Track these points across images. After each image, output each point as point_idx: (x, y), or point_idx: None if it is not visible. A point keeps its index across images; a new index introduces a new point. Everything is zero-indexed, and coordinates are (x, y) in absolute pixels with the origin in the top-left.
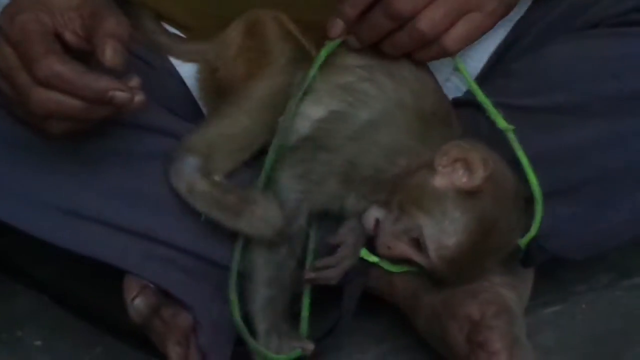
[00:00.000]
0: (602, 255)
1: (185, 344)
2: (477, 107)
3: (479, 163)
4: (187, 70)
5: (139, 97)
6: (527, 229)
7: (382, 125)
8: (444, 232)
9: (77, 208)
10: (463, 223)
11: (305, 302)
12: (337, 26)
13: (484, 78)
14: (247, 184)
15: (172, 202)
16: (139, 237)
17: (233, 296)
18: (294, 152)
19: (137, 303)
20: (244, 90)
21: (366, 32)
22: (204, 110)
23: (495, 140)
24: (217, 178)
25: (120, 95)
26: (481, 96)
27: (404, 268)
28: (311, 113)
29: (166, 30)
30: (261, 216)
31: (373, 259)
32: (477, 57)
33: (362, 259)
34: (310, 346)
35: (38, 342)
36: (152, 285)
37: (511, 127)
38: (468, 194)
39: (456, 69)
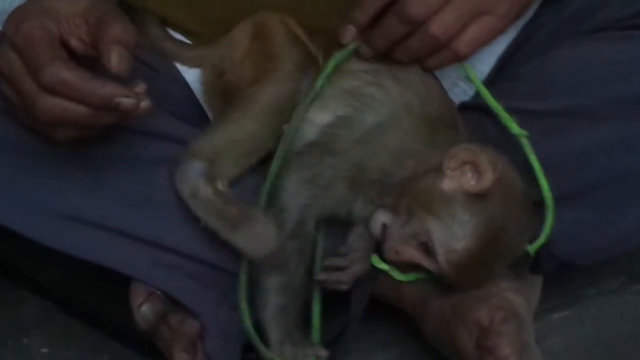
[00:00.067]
0: (611, 259)
1: (192, 351)
2: (485, 111)
3: (488, 166)
4: (192, 76)
5: (145, 103)
6: (536, 235)
7: (389, 129)
8: (453, 235)
9: (82, 214)
10: (472, 226)
11: (316, 308)
12: (349, 32)
13: (491, 82)
14: (252, 190)
15: (178, 208)
16: (146, 244)
17: (243, 304)
18: (301, 157)
19: (144, 310)
20: (250, 95)
21: (378, 38)
22: (210, 115)
23: (504, 145)
24: (221, 186)
25: (126, 101)
26: (493, 102)
27: (413, 277)
28: (317, 119)
29: (171, 37)
30: (258, 235)
31: (383, 266)
32: (485, 61)
33: (371, 266)
34: (324, 353)
35: (45, 350)
36: (159, 292)
37: (525, 132)
38: (477, 197)
39: (466, 78)
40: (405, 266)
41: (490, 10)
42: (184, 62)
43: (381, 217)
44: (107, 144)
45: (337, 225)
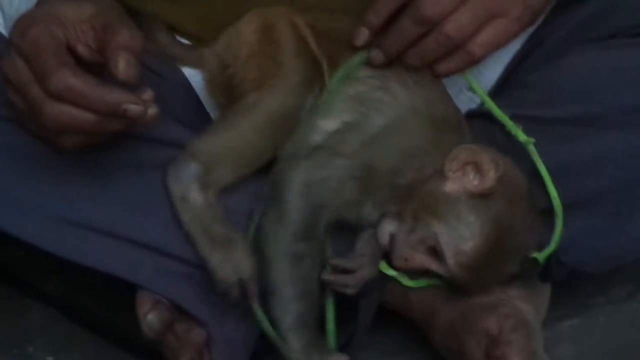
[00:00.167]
0: (620, 267)
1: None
2: (492, 118)
3: (490, 164)
4: (199, 82)
5: (152, 110)
6: (545, 242)
7: (396, 130)
8: (460, 237)
9: (89, 221)
10: (478, 226)
11: (330, 314)
12: (362, 35)
13: (500, 89)
14: (252, 196)
15: None
16: (152, 251)
17: (260, 315)
18: (309, 159)
19: (151, 318)
20: (253, 103)
21: (392, 40)
22: (212, 115)
23: (512, 152)
24: (212, 196)
25: (133, 108)
26: (498, 111)
27: (422, 283)
28: (323, 125)
29: (179, 41)
30: (233, 261)
31: (391, 272)
32: (493, 68)
33: (379, 273)
34: (345, 358)
35: (49, 357)
36: (165, 301)
37: (531, 139)
38: (481, 197)
39: (470, 89)
40: (416, 273)
41: (505, 12)
42: (192, 65)
43: (388, 227)
44: (113, 151)
45: (346, 231)
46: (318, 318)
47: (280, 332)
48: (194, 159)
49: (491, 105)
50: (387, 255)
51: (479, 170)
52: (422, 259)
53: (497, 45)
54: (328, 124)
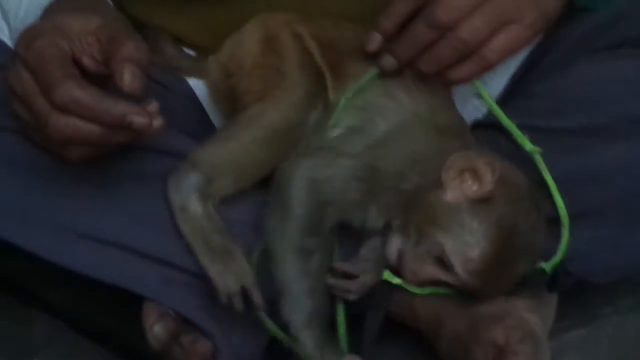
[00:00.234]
0: (628, 277)
1: None
2: (499, 128)
3: (486, 168)
4: (204, 93)
5: (157, 122)
6: (552, 252)
7: (400, 135)
8: (466, 245)
9: (95, 232)
10: (482, 232)
11: (340, 318)
12: (375, 40)
13: (506, 99)
14: (252, 207)
15: None
16: (158, 262)
17: (268, 321)
18: (313, 158)
19: (157, 330)
20: (257, 114)
21: (405, 46)
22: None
23: (519, 162)
24: (212, 207)
25: (138, 120)
26: (506, 120)
27: (429, 290)
28: (330, 133)
29: (185, 53)
30: (233, 272)
31: (397, 280)
32: (498, 78)
33: (385, 283)
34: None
35: None
36: (171, 312)
37: (538, 149)
38: (481, 202)
39: (478, 95)
40: (427, 284)
41: (518, 19)
42: (198, 76)
43: (395, 244)
44: (118, 162)
45: (352, 239)
46: (329, 322)
47: (292, 331)
48: (194, 168)
49: (499, 112)
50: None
51: (476, 175)
52: (431, 271)
53: (511, 51)
54: (332, 131)
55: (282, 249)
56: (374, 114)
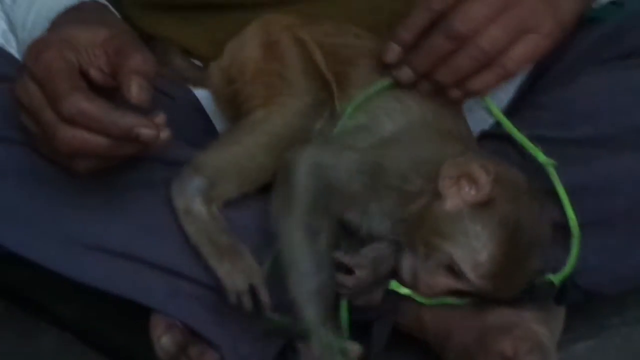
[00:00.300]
0: (636, 288)
1: None
2: (507, 139)
3: (480, 172)
4: (210, 104)
5: (164, 134)
6: (560, 265)
7: (406, 138)
8: (474, 250)
9: (102, 243)
10: (487, 235)
11: (344, 313)
12: (393, 51)
13: (513, 110)
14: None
15: None
16: (166, 272)
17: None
18: (319, 146)
19: (164, 342)
20: (261, 120)
21: (423, 57)
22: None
23: (528, 173)
24: (215, 209)
25: (146, 132)
26: (517, 134)
27: (436, 300)
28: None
29: (193, 64)
30: (241, 270)
31: (404, 290)
32: (505, 89)
33: (392, 293)
34: (357, 347)
35: None
36: (178, 323)
37: (552, 161)
38: (482, 205)
39: (487, 110)
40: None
41: (536, 28)
42: (206, 86)
43: (406, 263)
44: (126, 172)
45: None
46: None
47: (297, 303)
48: (197, 172)
49: (509, 126)
50: (395, 273)
51: (472, 180)
52: (444, 281)
53: (530, 60)
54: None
55: (288, 227)
56: (381, 114)
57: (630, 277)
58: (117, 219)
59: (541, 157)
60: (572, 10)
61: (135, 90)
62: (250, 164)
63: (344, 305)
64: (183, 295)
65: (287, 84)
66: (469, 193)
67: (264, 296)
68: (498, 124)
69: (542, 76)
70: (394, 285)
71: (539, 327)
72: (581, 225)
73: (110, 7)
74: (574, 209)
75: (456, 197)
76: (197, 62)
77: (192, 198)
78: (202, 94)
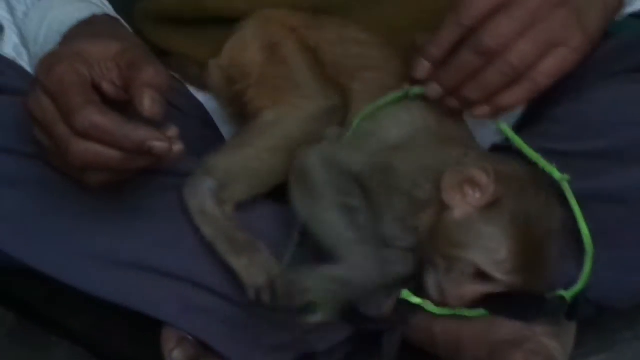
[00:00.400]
0: None
1: None
2: (517, 152)
3: (480, 174)
4: (222, 117)
5: (177, 147)
6: (572, 281)
7: (414, 143)
8: (493, 251)
9: (114, 256)
10: (502, 233)
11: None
12: (423, 68)
13: (524, 123)
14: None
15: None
16: (177, 284)
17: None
18: (330, 144)
19: (176, 355)
20: (271, 122)
21: (452, 73)
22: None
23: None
24: (229, 210)
25: (159, 145)
26: (529, 151)
27: (447, 311)
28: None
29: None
30: (259, 264)
31: (416, 300)
32: None
33: (403, 302)
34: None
35: None
36: (190, 337)
37: (566, 176)
38: (490, 206)
39: (498, 130)
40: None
41: (565, 41)
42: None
43: (431, 280)
44: (137, 184)
45: None
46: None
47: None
48: (208, 175)
49: (521, 144)
50: (406, 282)
51: (474, 184)
52: (473, 288)
53: (559, 74)
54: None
55: (321, 211)
56: (387, 121)
57: None
58: (129, 231)
59: (556, 173)
60: (599, 23)
61: (148, 103)
62: (260, 166)
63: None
64: (194, 309)
65: (296, 86)
66: (475, 197)
67: (281, 287)
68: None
69: (553, 89)
70: (405, 294)
71: (551, 341)
72: (592, 239)
73: (122, 21)
74: (587, 225)
75: (463, 204)
76: None
77: (204, 199)
78: (212, 107)
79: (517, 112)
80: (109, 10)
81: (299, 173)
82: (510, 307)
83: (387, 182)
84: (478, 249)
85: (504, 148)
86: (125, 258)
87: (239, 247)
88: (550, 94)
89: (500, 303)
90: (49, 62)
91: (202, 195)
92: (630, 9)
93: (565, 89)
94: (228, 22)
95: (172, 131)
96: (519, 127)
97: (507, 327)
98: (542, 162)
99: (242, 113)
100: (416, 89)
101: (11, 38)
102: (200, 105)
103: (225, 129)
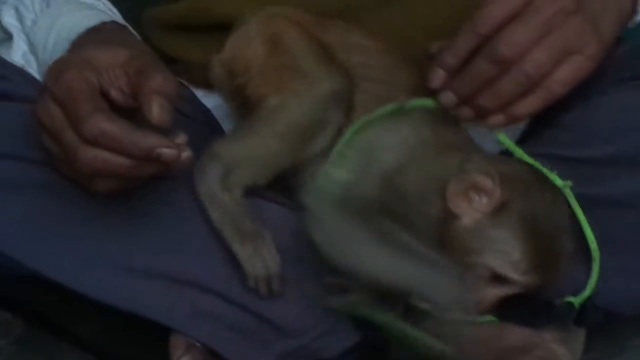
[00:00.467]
0: None
1: None
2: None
3: (485, 179)
4: (230, 124)
5: (185, 154)
6: (580, 285)
7: (412, 163)
8: (506, 253)
9: (122, 262)
10: (513, 235)
11: None
12: (438, 76)
13: (531, 129)
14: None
15: (218, 249)
16: (186, 290)
17: None
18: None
19: None
20: (276, 108)
21: (467, 82)
22: None
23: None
24: (237, 194)
25: (167, 152)
26: (528, 159)
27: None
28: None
29: None
30: (262, 255)
31: (425, 305)
32: None
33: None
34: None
35: None
36: (198, 344)
37: (568, 183)
38: (498, 210)
39: (497, 141)
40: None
41: (580, 49)
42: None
43: None
44: (146, 190)
45: None
46: None
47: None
48: (214, 160)
49: (521, 155)
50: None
51: (479, 190)
52: (492, 293)
53: (574, 82)
54: (341, 175)
55: (367, 254)
56: (381, 146)
57: None
58: (137, 238)
59: (558, 181)
60: (613, 30)
61: (156, 110)
62: (265, 152)
63: None
64: (203, 315)
65: (300, 72)
66: (481, 203)
67: (276, 285)
68: (518, 142)
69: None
70: (414, 300)
71: (559, 347)
72: (600, 245)
73: (130, 28)
74: (593, 230)
75: (471, 212)
76: None
77: (212, 185)
78: (219, 114)
79: (526, 119)
80: (117, 17)
81: (320, 236)
82: (519, 313)
83: (399, 206)
84: (492, 253)
85: (506, 154)
86: (133, 264)
87: (245, 235)
88: (558, 100)
89: (509, 309)
90: (57, 69)
91: (210, 180)
92: None
93: (573, 95)
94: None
95: (181, 138)
96: (527, 134)
97: (516, 334)
98: (544, 170)
99: (246, 107)
100: (411, 103)
101: (20, 45)
102: (208, 112)
103: None
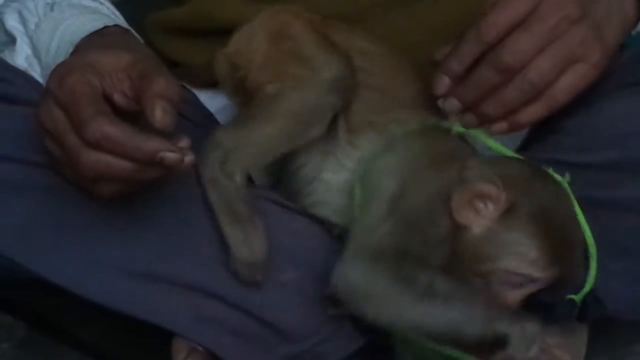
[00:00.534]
0: None
1: None
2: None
3: (488, 186)
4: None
5: (188, 158)
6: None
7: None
8: (522, 254)
9: (125, 265)
10: (526, 235)
11: None
12: (443, 83)
13: (534, 134)
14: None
15: (222, 251)
16: (188, 294)
17: None
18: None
19: None
20: (276, 95)
21: (471, 89)
22: None
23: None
24: (239, 180)
25: (170, 156)
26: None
27: None
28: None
29: None
30: (250, 240)
31: None
32: None
33: None
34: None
35: None
36: (200, 348)
37: (566, 178)
38: (506, 213)
39: (488, 147)
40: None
41: (584, 57)
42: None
43: None
44: (148, 193)
45: None
46: None
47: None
48: (216, 146)
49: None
50: None
51: (484, 197)
52: (515, 294)
53: (578, 91)
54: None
55: (405, 309)
56: (379, 180)
57: None
58: (139, 241)
59: (554, 175)
60: (617, 38)
61: (159, 114)
62: (264, 138)
63: None
64: (205, 319)
65: (302, 60)
66: (488, 210)
67: (260, 277)
68: (521, 147)
69: None
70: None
71: (562, 352)
72: (603, 250)
73: (133, 32)
74: (595, 232)
75: (479, 220)
76: None
77: (214, 171)
78: (223, 118)
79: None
80: (121, 21)
81: (354, 298)
82: None
83: (411, 236)
84: (508, 257)
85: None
86: (136, 268)
87: (238, 220)
88: (563, 105)
89: None
90: (60, 72)
91: (211, 166)
92: None
93: (576, 100)
94: None
95: (184, 142)
96: (530, 139)
97: None
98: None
99: (247, 99)
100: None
101: (23, 49)
102: (210, 115)
103: None
